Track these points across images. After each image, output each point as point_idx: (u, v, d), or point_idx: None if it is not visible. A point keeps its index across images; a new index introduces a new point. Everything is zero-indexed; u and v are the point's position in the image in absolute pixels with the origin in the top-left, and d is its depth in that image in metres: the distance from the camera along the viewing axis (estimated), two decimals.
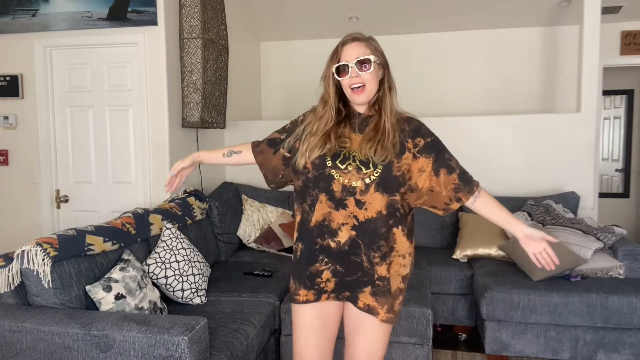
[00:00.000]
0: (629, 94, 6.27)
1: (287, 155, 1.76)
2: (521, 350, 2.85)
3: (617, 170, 6.40)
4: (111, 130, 3.50)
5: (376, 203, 1.61)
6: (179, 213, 3.05)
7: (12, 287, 2.04)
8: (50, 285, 2.02)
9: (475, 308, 3.24)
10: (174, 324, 1.86)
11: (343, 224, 1.63)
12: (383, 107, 1.67)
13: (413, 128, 1.70)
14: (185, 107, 3.51)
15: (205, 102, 3.50)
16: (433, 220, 3.83)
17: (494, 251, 3.35)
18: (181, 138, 3.58)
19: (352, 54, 1.62)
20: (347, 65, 1.61)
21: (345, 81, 1.64)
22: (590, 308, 2.72)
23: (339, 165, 1.63)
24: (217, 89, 3.68)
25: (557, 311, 2.75)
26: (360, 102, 1.68)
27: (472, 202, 1.69)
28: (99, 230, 2.34)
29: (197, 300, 2.63)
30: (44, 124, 3.52)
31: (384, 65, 1.68)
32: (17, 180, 3.62)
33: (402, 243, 1.68)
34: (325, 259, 1.67)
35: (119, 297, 2.14)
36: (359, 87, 1.63)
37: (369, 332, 1.70)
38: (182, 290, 2.58)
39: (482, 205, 1.70)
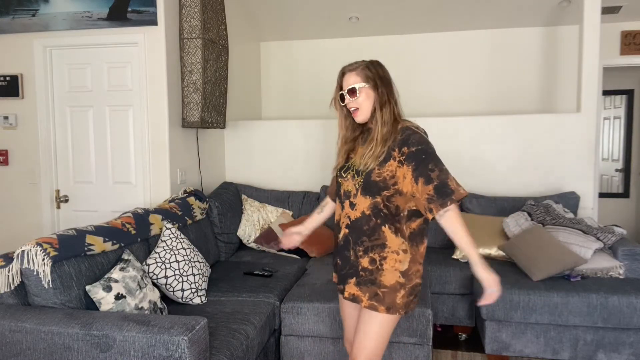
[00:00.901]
0: (629, 94, 6.27)
1: None
2: (521, 350, 2.85)
3: (617, 170, 6.40)
4: (111, 130, 3.50)
5: (361, 204, 1.87)
6: (179, 213, 3.05)
7: (12, 287, 2.04)
8: (50, 285, 2.03)
9: (475, 308, 3.24)
10: (174, 324, 1.86)
11: (342, 222, 1.94)
12: (374, 121, 1.89)
13: (403, 138, 1.84)
14: (185, 107, 3.51)
15: (205, 102, 3.50)
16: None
17: (494, 251, 3.35)
18: (181, 138, 3.59)
19: (347, 84, 1.91)
20: (344, 94, 1.92)
21: (347, 106, 1.94)
22: (590, 308, 2.72)
23: (343, 174, 1.96)
24: (217, 89, 3.68)
25: (557, 311, 2.75)
26: (360, 121, 1.94)
27: (439, 217, 1.80)
28: (99, 230, 2.34)
29: (197, 300, 2.63)
30: (44, 124, 3.52)
31: (376, 86, 1.88)
32: (17, 180, 3.62)
33: (392, 240, 1.84)
34: (336, 252, 2.00)
35: (119, 297, 2.14)
36: (355, 109, 1.91)
37: (360, 320, 1.92)
38: (182, 290, 2.58)
39: (446, 224, 1.81)
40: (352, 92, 1.88)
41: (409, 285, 1.85)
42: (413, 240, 1.88)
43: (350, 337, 2.10)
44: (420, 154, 1.79)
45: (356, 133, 1.99)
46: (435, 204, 1.76)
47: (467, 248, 1.76)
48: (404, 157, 1.81)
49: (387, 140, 1.84)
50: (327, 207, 2.21)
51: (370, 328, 1.86)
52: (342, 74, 1.93)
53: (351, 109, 1.91)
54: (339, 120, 2.00)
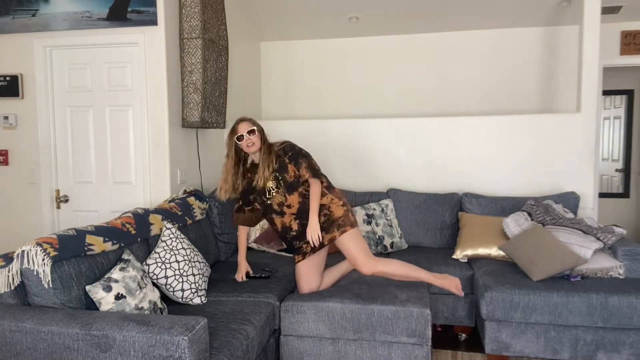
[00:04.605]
0: (629, 94, 6.27)
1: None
2: (521, 350, 2.85)
3: (617, 170, 6.40)
4: (111, 130, 3.50)
5: (294, 200, 2.85)
6: (179, 213, 3.05)
7: (12, 287, 2.04)
8: (50, 285, 2.03)
9: (475, 308, 3.24)
10: (174, 324, 1.86)
11: (288, 222, 2.86)
12: (262, 150, 2.85)
13: (284, 150, 2.90)
14: (185, 107, 3.51)
15: (205, 102, 3.50)
16: (433, 220, 3.83)
17: (494, 251, 3.35)
18: (181, 138, 3.59)
19: (244, 128, 2.82)
20: (243, 135, 2.80)
21: (245, 143, 2.81)
22: (590, 308, 2.72)
23: (267, 197, 2.89)
24: (217, 89, 3.68)
25: (557, 311, 2.75)
26: (252, 152, 2.85)
27: (311, 182, 2.83)
28: (99, 230, 2.34)
29: (197, 301, 2.63)
30: (44, 124, 3.52)
31: (260, 130, 2.87)
32: (17, 180, 3.62)
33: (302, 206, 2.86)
34: (298, 237, 2.88)
35: (119, 297, 2.14)
36: (251, 144, 2.81)
37: (322, 257, 2.95)
38: (182, 290, 2.58)
39: (312, 187, 2.81)
40: (252, 132, 2.80)
41: (324, 222, 2.83)
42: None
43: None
44: (295, 154, 2.87)
45: (237, 173, 2.89)
46: (311, 176, 2.82)
47: (313, 203, 2.76)
48: (289, 159, 2.85)
49: (273, 160, 2.83)
50: (244, 235, 3.06)
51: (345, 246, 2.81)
52: (240, 122, 2.85)
53: (248, 144, 2.78)
54: (229, 169, 2.87)
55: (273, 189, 2.83)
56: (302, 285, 2.87)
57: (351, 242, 2.78)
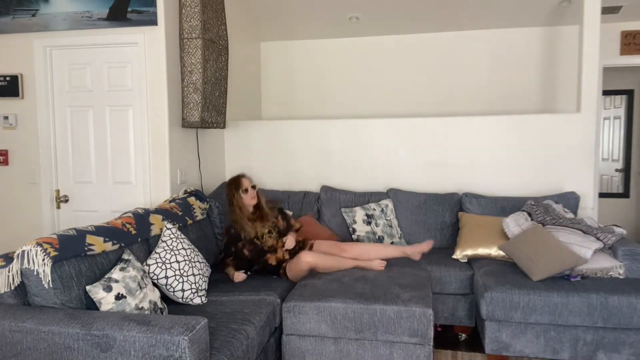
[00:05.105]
0: (629, 94, 6.27)
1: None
2: (521, 350, 2.85)
3: (617, 170, 6.41)
4: (111, 130, 3.50)
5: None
6: (180, 213, 3.05)
7: (12, 287, 2.04)
8: (51, 285, 2.03)
9: (475, 308, 3.24)
10: (174, 324, 1.86)
11: (280, 253, 3.28)
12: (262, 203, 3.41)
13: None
14: (185, 107, 3.51)
15: (205, 102, 3.50)
16: (433, 220, 3.83)
17: (494, 251, 3.35)
18: (181, 138, 3.59)
19: (249, 183, 3.35)
20: (248, 188, 3.32)
21: (249, 196, 3.32)
22: (590, 308, 2.72)
23: (260, 241, 3.31)
24: (217, 89, 3.68)
25: (557, 311, 2.75)
26: (254, 203, 3.37)
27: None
28: (99, 230, 2.34)
29: (197, 301, 2.63)
30: (44, 124, 3.52)
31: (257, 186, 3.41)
32: (17, 180, 3.62)
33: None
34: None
35: (119, 297, 2.14)
36: (254, 196, 3.36)
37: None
38: (183, 290, 2.58)
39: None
40: (254, 187, 3.34)
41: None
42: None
43: None
44: (281, 209, 3.54)
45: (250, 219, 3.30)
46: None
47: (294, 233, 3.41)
48: (277, 211, 3.46)
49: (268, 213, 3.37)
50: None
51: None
52: (242, 178, 3.33)
53: (252, 197, 3.31)
54: (244, 216, 3.26)
55: (266, 234, 3.26)
56: (302, 256, 3.08)
57: (324, 242, 3.41)
